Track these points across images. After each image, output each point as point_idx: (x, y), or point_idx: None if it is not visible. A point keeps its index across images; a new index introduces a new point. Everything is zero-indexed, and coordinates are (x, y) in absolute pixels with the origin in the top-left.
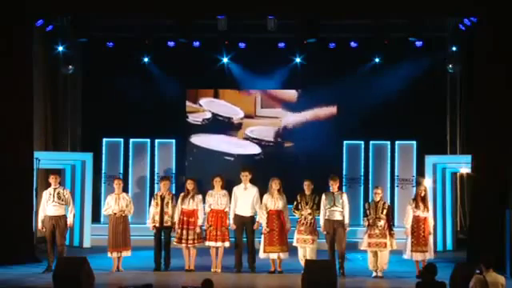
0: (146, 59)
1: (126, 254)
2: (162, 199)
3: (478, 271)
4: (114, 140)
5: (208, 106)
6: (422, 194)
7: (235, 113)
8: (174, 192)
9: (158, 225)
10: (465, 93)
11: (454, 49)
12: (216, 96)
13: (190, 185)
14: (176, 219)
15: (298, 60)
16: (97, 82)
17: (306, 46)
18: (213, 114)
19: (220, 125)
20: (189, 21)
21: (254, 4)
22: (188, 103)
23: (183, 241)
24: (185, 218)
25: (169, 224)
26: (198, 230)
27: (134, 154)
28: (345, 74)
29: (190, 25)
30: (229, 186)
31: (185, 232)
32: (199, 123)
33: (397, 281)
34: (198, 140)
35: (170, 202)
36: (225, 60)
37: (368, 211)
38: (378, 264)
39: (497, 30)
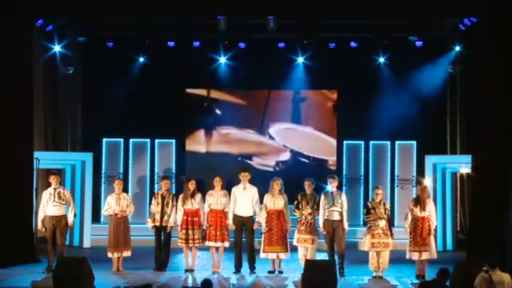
0: (145, 59)
1: (127, 253)
2: (163, 198)
3: (485, 268)
4: (113, 140)
5: (283, 137)
6: (418, 193)
7: (329, 152)
8: (173, 192)
9: (158, 224)
10: (465, 93)
11: (454, 49)
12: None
13: (192, 185)
14: (179, 221)
15: (298, 60)
16: (97, 81)
17: (307, 46)
18: (293, 152)
19: (305, 170)
20: (189, 21)
21: (253, 4)
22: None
23: (190, 241)
24: (189, 219)
25: (167, 224)
26: (201, 229)
27: (134, 154)
28: (344, 74)
29: (190, 25)
30: (231, 187)
31: (190, 232)
32: (270, 170)
33: (397, 281)
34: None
35: (170, 201)
36: (225, 60)
37: (372, 210)
38: (380, 264)
39: (497, 30)
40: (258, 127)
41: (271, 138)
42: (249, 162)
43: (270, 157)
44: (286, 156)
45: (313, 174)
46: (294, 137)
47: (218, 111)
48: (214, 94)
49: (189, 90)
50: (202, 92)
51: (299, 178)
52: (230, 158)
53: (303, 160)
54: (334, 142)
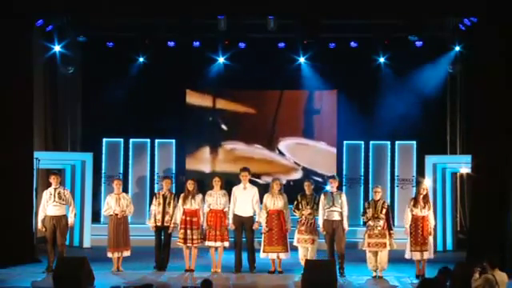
0: (145, 59)
1: (127, 253)
2: (164, 199)
3: (479, 269)
4: (113, 140)
5: (293, 153)
6: (424, 193)
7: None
8: (174, 192)
9: (159, 224)
10: (465, 93)
11: (454, 48)
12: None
13: (190, 185)
14: (178, 220)
15: (299, 60)
16: (97, 81)
17: (307, 46)
18: (304, 169)
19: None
20: (189, 21)
21: (253, 4)
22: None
23: (188, 241)
24: (188, 218)
25: (169, 224)
26: (200, 229)
27: (134, 153)
28: (344, 74)
29: (190, 25)
30: (230, 187)
31: (189, 232)
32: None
33: (397, 281)
34: None
35: (171, 201)
36: (225, 60)
37: (367, 210)
38: (378, 264)
39: (497, 30)
40: (267, 142)
41: (281, 154)
42: (257, 180)
43: (280, 175)
44: (297, 174)
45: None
46: (306, 153)
47: (223, 126)
48: (219, 104)
49: (190, 100)
50: (206, 102)
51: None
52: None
53: (316, 178)
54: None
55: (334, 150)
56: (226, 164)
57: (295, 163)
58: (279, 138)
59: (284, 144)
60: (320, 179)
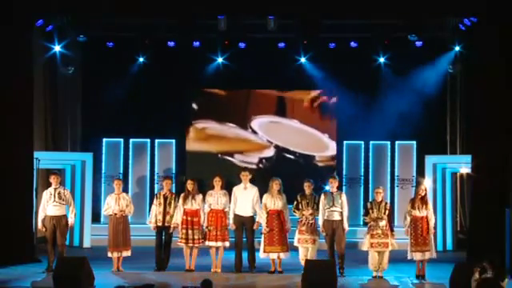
0: (145, 59)
1: (126, 253)
2: (165, 199)
3: (479, 269)
4: (113, 140)
5: (267, 132)
6: (423, 194)
7: (318, 144)
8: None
9: (159, 224)
10: (465, 93)
11: (454, 48)
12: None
13: (190, 185)
14: (179, 220)
15: (299, 60)
16: (97, 81)
17: (307, 46)
18: (277, 148)
19: (291, 167)
20: (189, 21)
21: (253, 4)
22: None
23: (189, 241)
24: (188, 218)
25: (169, 224)
26: (201, 229)
27: (134, 153)
28: (345, 74)
29: (190, 25)
30: (230, 187)
31: (190, 232)
32: (253, 166)
33: (397, 281)
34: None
35: (172, 202)
36: (224, 60)
37: (371, 210)
38: (379, 264)
39: (497, 30)
40: (240, 120)
41: (254, 132)
42: (230, 158)
43: (252, 153)
44: (270, 152)
45: (299, 172)
46: (279, 131)
47: (194, 105)
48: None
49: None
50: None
51: (285, 175)
52: (209, 157)
53: (289, 156)
54: (323, 137)
55: (331, 141)
56: (197, 143)
57: (268, 141)
58: (252, 116)
59: (257, 122)
60: (292, 156)
